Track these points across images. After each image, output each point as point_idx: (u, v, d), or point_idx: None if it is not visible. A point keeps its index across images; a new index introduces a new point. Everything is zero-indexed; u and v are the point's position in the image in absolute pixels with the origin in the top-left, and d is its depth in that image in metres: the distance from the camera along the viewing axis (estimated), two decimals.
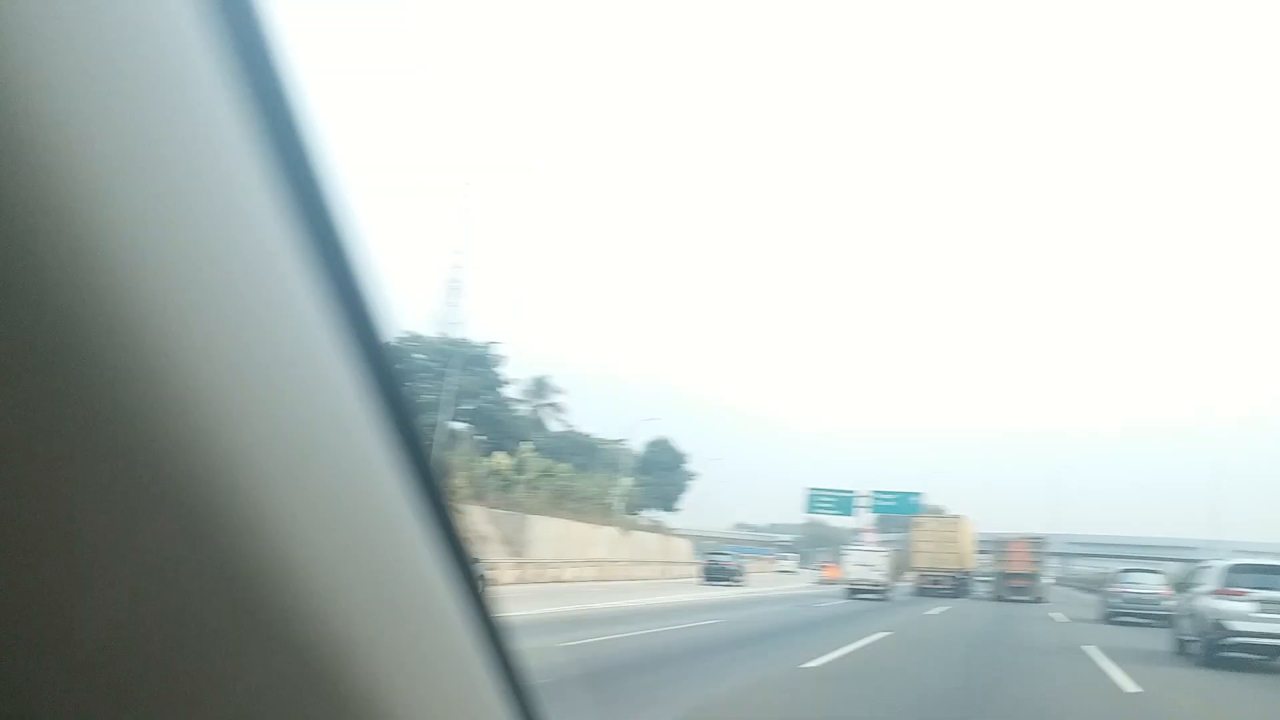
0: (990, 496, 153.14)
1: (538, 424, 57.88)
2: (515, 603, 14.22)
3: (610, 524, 50.98)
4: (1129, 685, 10.25)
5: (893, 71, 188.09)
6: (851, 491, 65.64)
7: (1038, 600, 38.47)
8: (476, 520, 38.11)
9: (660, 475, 71.30)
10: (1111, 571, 32.19)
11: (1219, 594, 13.25)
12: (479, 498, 40.02)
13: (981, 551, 54.20)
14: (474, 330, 50.75)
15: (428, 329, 46.97)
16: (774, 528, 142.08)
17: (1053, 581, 66.69)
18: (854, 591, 35.16)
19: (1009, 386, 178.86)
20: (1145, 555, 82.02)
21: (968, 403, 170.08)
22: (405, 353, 44.61)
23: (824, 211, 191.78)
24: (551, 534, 43.34)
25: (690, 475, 74.35)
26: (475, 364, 45.98)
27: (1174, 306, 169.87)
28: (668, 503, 72.56)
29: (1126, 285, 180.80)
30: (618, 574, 44.11)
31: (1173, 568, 38.85)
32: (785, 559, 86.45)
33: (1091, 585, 49.89)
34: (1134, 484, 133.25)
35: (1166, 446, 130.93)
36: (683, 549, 69.14)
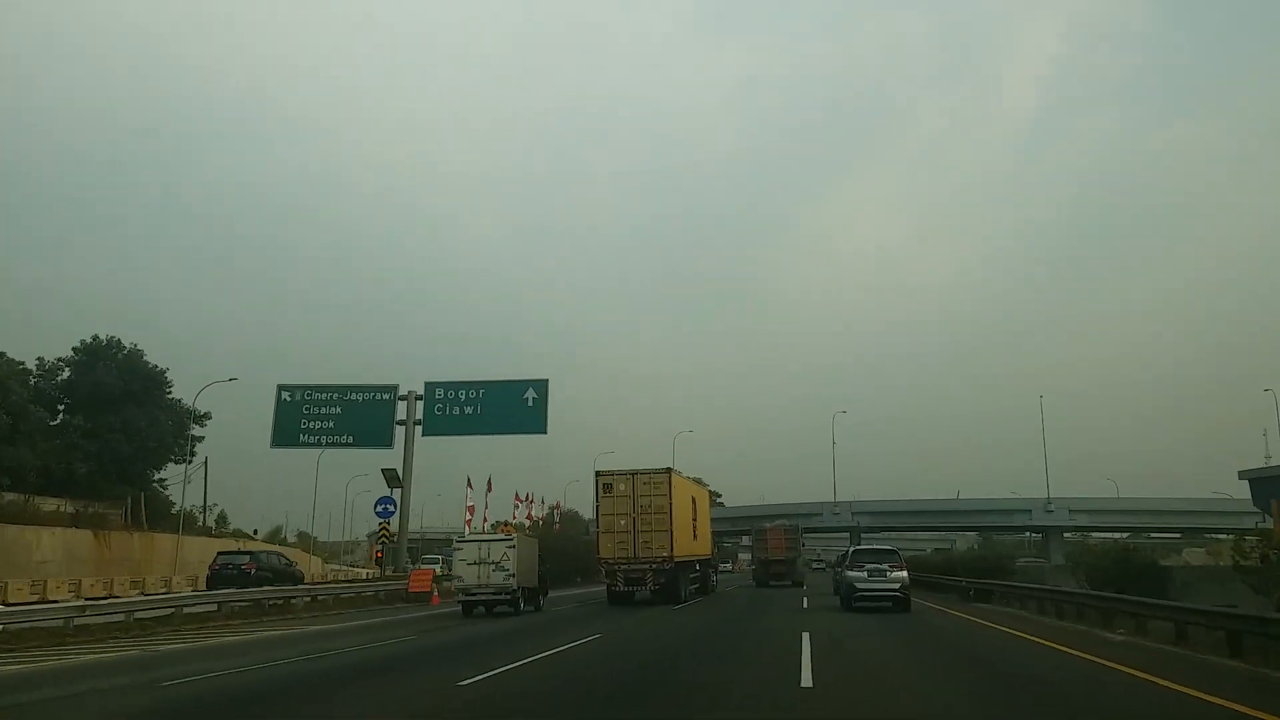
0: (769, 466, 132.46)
1: None
2: None
3: None
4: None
5: None
6: (391, 388, 36.12)
7: (798, 584, 39.51)
8: None
9: (110, 414, 39.85)
10: (838, 555, 42.90)
11: (850, 567, 24.27)
12: None
13: (740, 532, 47.82)
14: None
15: None
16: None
17: (822, 565, 64.36)
18: (471, 604, 24.13)
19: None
20: (962, 523, 76.40)
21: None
22: None
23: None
24: None
25: (186, 414, 43.51)
26: None
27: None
28: (123, 465, 41.02)
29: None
30: None
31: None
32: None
33: None
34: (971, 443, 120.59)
35: (1001, 404, 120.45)
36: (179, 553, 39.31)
